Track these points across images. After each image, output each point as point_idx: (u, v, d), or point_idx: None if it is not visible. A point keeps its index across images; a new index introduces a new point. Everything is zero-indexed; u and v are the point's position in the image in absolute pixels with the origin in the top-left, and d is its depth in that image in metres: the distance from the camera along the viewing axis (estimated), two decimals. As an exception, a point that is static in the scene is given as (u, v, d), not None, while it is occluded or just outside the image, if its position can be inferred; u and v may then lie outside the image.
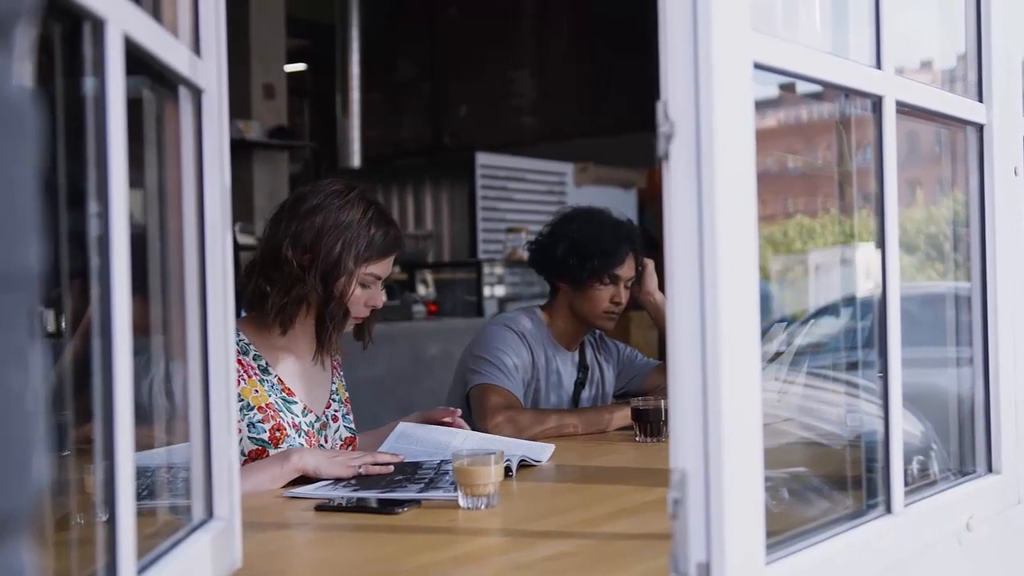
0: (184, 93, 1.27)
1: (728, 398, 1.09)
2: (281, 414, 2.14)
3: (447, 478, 1.93)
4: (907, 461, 1.50)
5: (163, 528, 1.25)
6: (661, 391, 2.56)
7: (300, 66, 9.10)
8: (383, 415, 3.15)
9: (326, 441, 2.24)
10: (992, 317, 1.75)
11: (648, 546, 1.50)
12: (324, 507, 1.78)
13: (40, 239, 0.68)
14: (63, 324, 1.11)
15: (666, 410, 2.27)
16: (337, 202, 2.16)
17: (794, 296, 1.94)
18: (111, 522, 0.96)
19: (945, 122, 1.76)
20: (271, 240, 2.17)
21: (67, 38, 0.95)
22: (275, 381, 2.17)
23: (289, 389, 2.19)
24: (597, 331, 2.98)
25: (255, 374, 2.15)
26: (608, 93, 8.03)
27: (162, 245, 1.30)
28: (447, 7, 8.87)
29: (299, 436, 2.15)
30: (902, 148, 1.50)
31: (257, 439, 2.10)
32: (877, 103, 1.46)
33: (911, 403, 1.53)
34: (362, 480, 1.97)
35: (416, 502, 1.78)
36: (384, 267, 2.21)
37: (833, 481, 1.62)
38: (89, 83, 0.96)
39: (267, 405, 2.13)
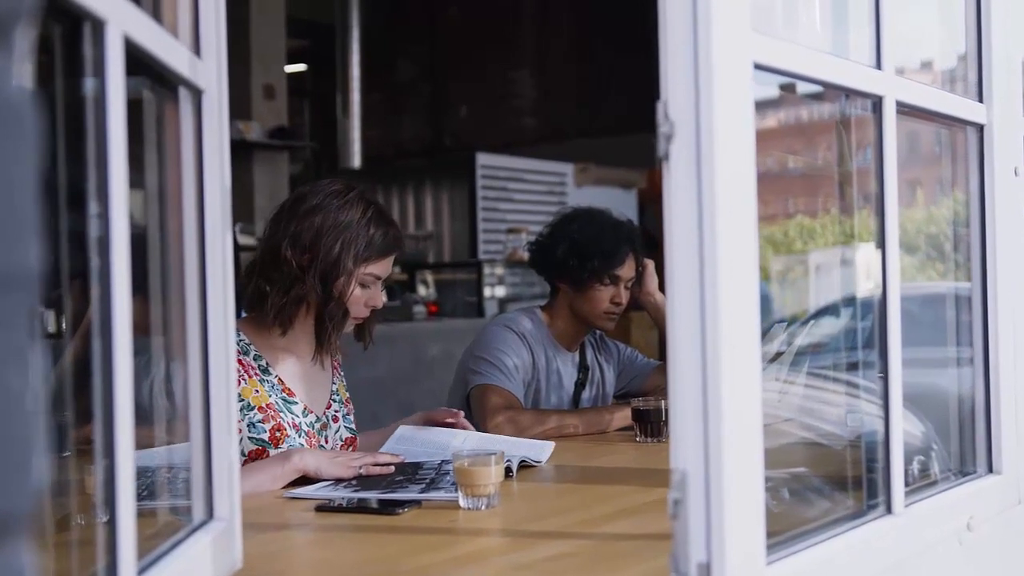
0: (184, 94, 1.27)
1: (728, 398, 1.09)
2: (281, 414, 2.14)
3: (448, 478, 1.92)
4: (907, 461, 1.50)
5: (163, 529, 1.25)
6: (661, 391, 2.56)
7: (300, 66, 9.10)
8: (384, 415, 3.15)
9: (326, 441, 2.24)
10: (992, 317, 1.75)
11: (648, 546, 1.50)
12: (324, 508, 1.78)
13: (40, 240, 0.68)
14: (63, 325, 1.11)
15: (666, 410, 2.28)
16: (336, 202, 2.16)
17: (794, 296, 1.94)
18: (111, 523, 0.96)
19: (945, 122, 1.76)
20: (271, 240, 2.17)
21: (67, 39, 0.95)
22: (275, 381, 2.17)
23: (289, 389, 2.19)
24: (597, 331, 2.98)
25: (255, 374, 2.15)
26: (608, 93, 8.03)
27: (162, 246, 1.30)
28: (447, 7, 8.87)
29: (299, 436, 2.15)
30: (902, 148, 1.50)
31: (257, 439, 2.10)
32: (877, 103, 1.46)
33: (911, 403, 1.53)
34: (363, 481, 1.97)
35: (416, 502, 1.78)
36: (384, 267, 2.21)
37: (833, 481, 1.62)
38: (89, 84, 0.96)
39: (267, 405, 2.13)
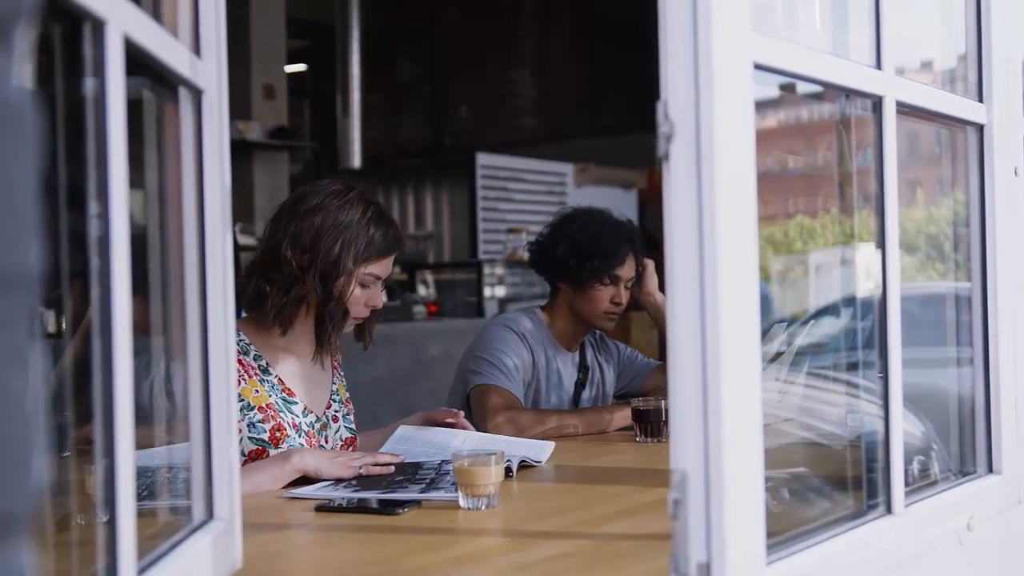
0: (184, 94, 1.27)
1: (728, 398, 1.09)
2: (281, 414, 2.14)
3: (448, 478, 1.92)
4: (907, 461, 1.50)
5: (163, 529, 1.25)
6: (661, 391, 2.56)
7: (300, 66, 9.10)
8: (384, 416, 3.15)
9: (326, 442, 2.24)
10: (992, 317, 1.75)
11: (648, 546, 1.50)
12: (324, 508, 1.78)
13: (40, 240, 0.68)
14: (63, 325, 1.11)
15: (666, 410, 2.28)
16: (336, 202, 2.16)
17: (795, 296, 1.94)
18: (111, 523, 0.96)
19: (945, 122, 1.76)
20: (270, 240, 2.17)
21: (67, 39, 0.95)
22: (275, 381, 2.17)
23: (289, 389, 2.19)
24: (597, 331, 2.98)
25: (255, 374, 2.15)
26: (608, 93, 8.03)
27: (162, 246, 1.30)
28: (447, 7, 8.88)
29: (299, 436, 2.15)
30: (902, 148, 1.50)
31: (257, 439, 2.10)
32: (877, 103, 1.46)
33: (911, 403, 1.53)
34: (363, 481, 1.97)
35: (416, 502, 1.78)
36: (383, 267, 2.20)
37: (833, 481, 1.62)
38: (89, 84, 0.96)
39: (267, 405, 2.13)
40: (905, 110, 1.52)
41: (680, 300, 1.10)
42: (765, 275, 1.21)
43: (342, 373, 2.37)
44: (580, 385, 2.93)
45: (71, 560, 1.15)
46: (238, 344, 2.11)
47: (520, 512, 1.83)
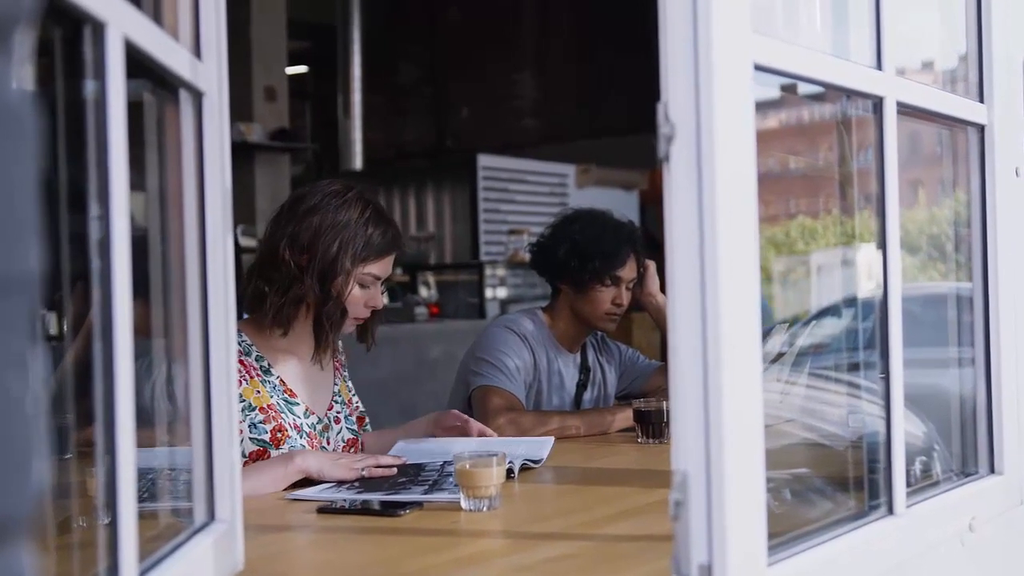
0: (185, 96, 1.27)
1: (729, 399, 1.09)
2: (283, 415, 2.14)
3: (450, 480, 1.92)
4: (909, 462, 1.50)
5: (165, 531, 1.25)
6: (663, 392, 2.56)
7: (301, 68, 9.11)
8: (385, 417, 3.15)
9: (328, 443, 2.24)
10: (994, 317, 1.75)
11: (650, 548, 1.50)
12: (326, 509, 1.78)
13: (41, 242, 0.68)
14: (64, 327, 1.11)
15: (668, 411, 2.28)
16: (335, 202, 2.15)
17: (796, 297, 1.94)
18: (113, 525, 0.96)
19: (946, 123, 1.76)
20: (270, 241, 2.17)
21: (67, 41, 0.95)
22: (277, 382, 2.17)
23: (291, 390, 2.19)
24: (599, 333, 2.98)
25: (257, 375, 2.15)
26: (609, 94, 8.04)
27: (163, 248, 1.30)
28: (447, 8, 8.89)
29: (301, 437, 2.15)
30: (903, 149, 1.50)
31: (258, 440, 2.10)
32: (878, 104, 1.46)
33: (913, 404, 1.53)
34: (365, 482, 1.97)
35: (418, 504, 1.78)
36: (383, 267, 2.20)
37: (835, 482, 1.62)
38: (90, 86, 0.96)
39: (269, 406, 2.13)
40: (906, 111, 1.52)
41: (681, 301, 1.10)
42: (767, 276, 1.21)
43: (345, 374, 2.37)
44: (582, 386, 2.93)
45: (72, 562, 1.15)
46: (240, 345, 2.11)
47: (521, 513, 1.83)
